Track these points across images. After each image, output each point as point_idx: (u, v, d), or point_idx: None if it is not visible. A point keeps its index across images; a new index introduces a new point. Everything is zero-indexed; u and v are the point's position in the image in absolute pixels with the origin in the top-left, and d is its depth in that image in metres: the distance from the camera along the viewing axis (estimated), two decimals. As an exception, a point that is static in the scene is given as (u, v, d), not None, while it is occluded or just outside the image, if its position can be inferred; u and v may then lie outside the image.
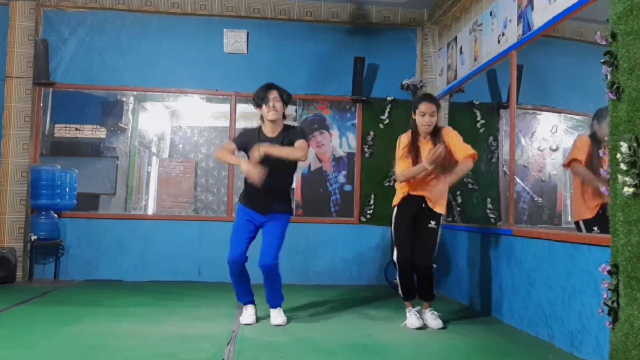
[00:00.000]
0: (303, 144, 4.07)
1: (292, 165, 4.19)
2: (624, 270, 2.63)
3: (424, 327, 4.16)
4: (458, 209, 6.31)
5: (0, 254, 5.83)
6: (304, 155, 4.08)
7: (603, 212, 4.09)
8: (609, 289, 2.72)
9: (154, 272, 6.31)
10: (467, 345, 3.69)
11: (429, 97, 4.36)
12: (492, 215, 6.43)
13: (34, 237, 6.02)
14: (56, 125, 7.54)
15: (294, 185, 7.33)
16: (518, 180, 6.33)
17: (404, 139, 4.30)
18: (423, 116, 4.17)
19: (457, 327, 4.24)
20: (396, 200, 4.33)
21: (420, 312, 4.26)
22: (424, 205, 4.21)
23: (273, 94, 4.11)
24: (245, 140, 4.16)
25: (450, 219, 6.39)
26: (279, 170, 4.02)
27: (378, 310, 4.90)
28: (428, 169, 4.06)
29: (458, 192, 6.47)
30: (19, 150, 6.14)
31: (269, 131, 4.16)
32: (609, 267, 2.73)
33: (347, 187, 7.06)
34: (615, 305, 2.68)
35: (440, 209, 4.22)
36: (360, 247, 6.51)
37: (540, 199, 6.76)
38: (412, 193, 4.23)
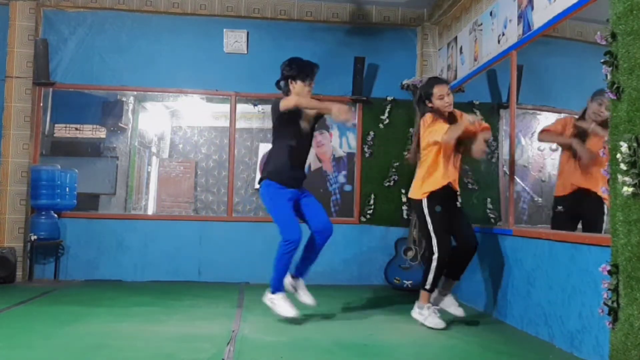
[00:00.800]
0: None
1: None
2: (624, 270, 2.63)
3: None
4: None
5: (0, 254, 5.83)
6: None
7: (576, 193, 4.28)
8: (609, 289, 2.73)
9: (154, 272, 6.31)
10: (467, 345, 3.69)
11: (439, 80, 4.37)
12: (492, 215, 6.43)
13: (34, 237, 6.02)
14: (56, 125, 7.53)
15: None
16: (518, 180, 6.33)
17: (429, 116, 4.20)
18: (442, 99, 4.15)
19: (457, 327, 4.24)
20: (425, 192, 4.19)
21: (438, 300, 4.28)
22: (453, 190, 4.25)
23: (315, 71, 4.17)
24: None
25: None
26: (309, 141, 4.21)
27: (378, 310, 4.89)
28: (473, 122, 4.06)
29: (458, 192, 6.47)
30: (19, 150, 6.14)
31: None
32: (609, 267, 2.74)
33: (347, 187, 7.07)
34: (615, 305, 2.68)
35: (457, 186, 4.29)
36: (360, 247, 6.51)
37: (540, 199, 6.76)
38: (446, 183, 4.19)
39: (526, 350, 3.62)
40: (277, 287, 4.15)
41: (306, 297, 4.22)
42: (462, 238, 4.25)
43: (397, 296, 5.63)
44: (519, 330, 4.17)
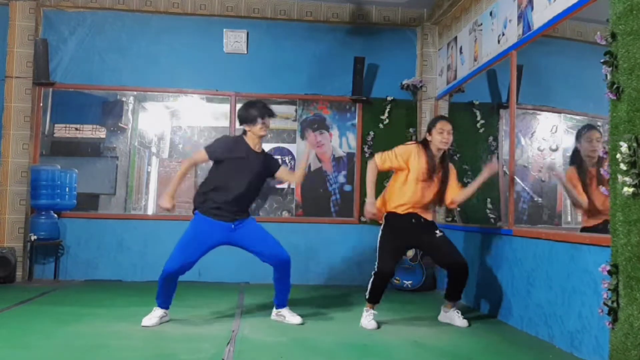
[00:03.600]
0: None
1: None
2: (624, 270, 2.63)
3: (378, 327, 4.13)
4: (458, 209, 6.31)
5: (0, 254, 5.84)
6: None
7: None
8: (609, 289, 2.73)
9: (154, 272, 6.21)
10: (467, 345, 3.69)
11: (445, 117, 4.52)
12: (492, 215, 6.43)
13: (33, 237, 6.02)
14: (56, 125, 7.52)
15: (293, 185, 7.36)
16: (518, 180, 6.33)
17: (414, 145, 4.35)
18: (441, 133, 4.21)
19: (457, 327, 4.24)
20: (388, 209, 4.33)
21: (445, 312, 4.39)
22: (422, 220, 4.28)
23: (270, 113, 4.22)
24: (230, 149, 4.16)
25: (450, 219, 6.39)
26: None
27: (378, 310, 4.88)
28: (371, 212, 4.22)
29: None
30: (19, 150, 6.14)
31: (254, 146, 4.21)
32: (608, 267, 2.74)
33: (347, 187, 7.06)
34: (615, 305, 2.68)
35: (431, 217, 4.35)
36: (360, 247, 6.51)
37: (540, 199, 6.76)
38: (407, 211, 4.25)
39: (526, 350, 3.62)
40: (159, 303, 4.17)
41: (293, 319, 4.20)
42: (452, 265, 4.27)
43: (397, 296, 5.62)
44: (519, 330, 4.17)
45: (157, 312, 4.12)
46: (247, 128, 4.20)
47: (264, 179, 4.30)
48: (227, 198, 4.06)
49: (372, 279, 4.24)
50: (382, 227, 4.34)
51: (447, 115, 6.45)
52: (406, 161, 4.23)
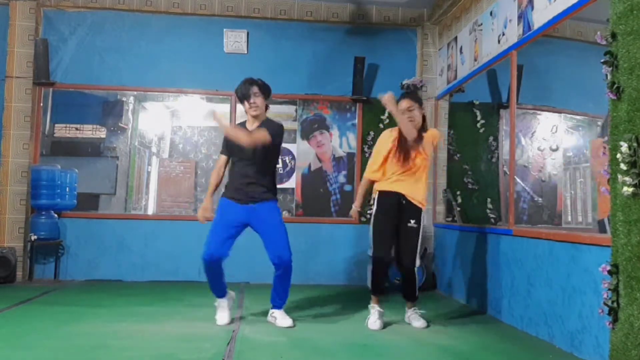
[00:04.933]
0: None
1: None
2: (624, 270, 2.63)
3: (383, 327, 4.13)
4: (458, 209, 6.31)
5: (0, 254, 5.84)
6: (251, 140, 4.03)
7: None
8: (609, 289, 2.72)
9: (154, 272, 6.31)
10: (467, 345, 3.69)
11: (410, 95, 4.44)
12: (492, 215, 6.43)
13: (34, 237, 6.02)
14: (56, 125, 7.53)
15: (293, 185, 7.35)
16: (518, 180, 6.33)
17: (385, 137, 4.32)
18: (405, 112, 4.19)
19: (457, 327, 4.24)
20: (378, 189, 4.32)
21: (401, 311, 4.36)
22: (403, 201, 4.20)
23: (254, 89, 4.19)
24: (230, 141, 4.17)
25: (450, 219, 6.40)
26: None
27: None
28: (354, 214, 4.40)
29: (458, 192, 6.48)
30: (19, 150, 6.14)
31: (252, 125, 4.22)
32: (609, 267, 2.73)
33: (347, 187, 7.06)
34: (615, 305, 2.68)
35: (420, 202, 4.21)
36: (360, 247, 6.50)
37: (540, 199, 6.77)
38: (385, 189, 4.23)
39: (526, 350, 3.62)
40: (217, 295, 4.25)
41: (284, 322, 4.14)
42: (398, 263, 4.27)
43: (397, 296, 5.61)
44: (519, 330, 4.17)
45: (222, 304, 4.20)
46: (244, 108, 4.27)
47: (269, 148, 4.12)
48: (241, 180, 4.13)
49: (371, 267, 4.25)
50: (373, 210, 4.30)
51: (447, 116, 6.46)
52: (388, 150, 4.23)
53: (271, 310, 4.26)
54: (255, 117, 4.21)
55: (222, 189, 4.31)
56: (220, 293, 4.21)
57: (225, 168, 4.32)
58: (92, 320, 4.16)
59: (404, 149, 4.17)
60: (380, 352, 3.50)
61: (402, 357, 3.45)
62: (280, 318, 4.17)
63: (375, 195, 4.31)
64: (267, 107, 4.29)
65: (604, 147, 2.87)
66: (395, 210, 4.19)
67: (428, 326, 4.18)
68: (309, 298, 5.37)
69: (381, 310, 4.21)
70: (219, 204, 4.24)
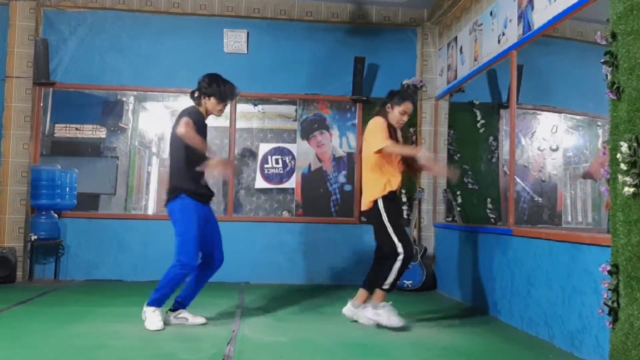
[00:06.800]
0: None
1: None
2: (624, 270, 2.63)
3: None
4: (458, 209, 6.31)
5: (0, 254, 5.84)
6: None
7: None
8: (609, 289, 2.73)
9: (154, 272, 6.23)
10: (467, 345, 3.69)
11: (411, 99, 4.39)
12: (492, 215, 6.43)
13: (34, 237, 6.02)
14: (56, 125, 7.53)
15: (293, 185, 7.36)
16: (518, 180, 6.33)
17: (384, 121, 4.25)
18: (403, 115, 4.23)
19: (457, 327, 4.24)
20: (381, 192, 4.17)
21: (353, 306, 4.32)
22: (399, 194, 4.38)
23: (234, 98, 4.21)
24: (200, 121, 4.11)
25: (450, 218, 6.40)
26: None
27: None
28: (420, 156, 4.09)
29: (458, 192, 6.48)
30: (19, 150, 6.14)
31: (207, 120, 4.25)
32: (609, 267, 2.74)
33: (347, 187, 7.06)
34: (615, 305, 2.68)
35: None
36: (360, 247, 6.50)
37: (540, 199, 6.77)
38: (393, 188, 4.19)
39: (526, 350, 3.62)
40: (158, 304, 3.95)
41: (197, 319, 4.06)
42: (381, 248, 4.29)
43: (397, 296, 5.61)
44: (519, 330, 4.17)
45: (158, 311, 3.94)
46: (206, 103, 4.23)
47: (173, 141, 4.11)
48: (202, 180, 4.12)
49: (397, 265, 4.01)
50: (382, 205, 4.15)
51: (447, 116, 6.47)
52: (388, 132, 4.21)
53: (175, 312, 4.07)
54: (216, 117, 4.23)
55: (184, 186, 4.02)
56: (164, 303, 4.00)
57: None
58: (92, 320, 4.16)
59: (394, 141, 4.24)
60: (380, 352, 3.50)
61: (402, 357, 3.45)
62: (191, 317, 4.06)
63: (382, 195, 4.17)
64: None
65: (605, 147, 2.88)
66: (400, 205, 4.30)
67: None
68: (309, 298, 5.37)
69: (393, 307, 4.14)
70: (187, 205, 3.97)
